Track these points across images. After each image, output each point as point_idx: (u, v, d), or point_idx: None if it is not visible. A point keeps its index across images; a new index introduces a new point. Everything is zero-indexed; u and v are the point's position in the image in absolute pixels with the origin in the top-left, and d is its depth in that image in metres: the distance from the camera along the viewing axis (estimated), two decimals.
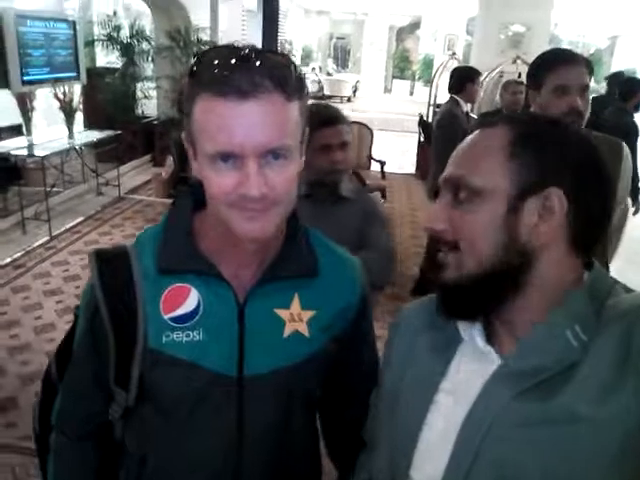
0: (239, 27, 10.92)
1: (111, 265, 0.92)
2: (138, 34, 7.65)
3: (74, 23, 5.70)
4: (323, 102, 2.66)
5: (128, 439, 1.01)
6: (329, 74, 20.45)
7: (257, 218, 0.80)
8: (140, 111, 7.95)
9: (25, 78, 5.00)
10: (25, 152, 5.17)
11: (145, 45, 7.74)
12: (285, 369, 0.94)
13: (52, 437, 1.04)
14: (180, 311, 0.90)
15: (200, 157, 0.80)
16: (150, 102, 8.02)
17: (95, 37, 7.82)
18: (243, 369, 0.92)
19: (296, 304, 0.95)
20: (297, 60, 16.21)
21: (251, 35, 8.55)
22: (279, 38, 9.72)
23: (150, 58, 7.82)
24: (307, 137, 1.86)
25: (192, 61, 0.81)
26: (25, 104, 5.35)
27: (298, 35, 19.07)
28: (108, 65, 8.04)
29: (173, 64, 7.60)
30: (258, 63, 0.75)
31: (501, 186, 0.72)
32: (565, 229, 0.72)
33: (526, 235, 0.72)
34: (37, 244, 4.91)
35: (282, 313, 0.94)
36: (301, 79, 0.81)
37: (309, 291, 0.96)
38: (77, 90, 6.28)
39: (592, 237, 0.76)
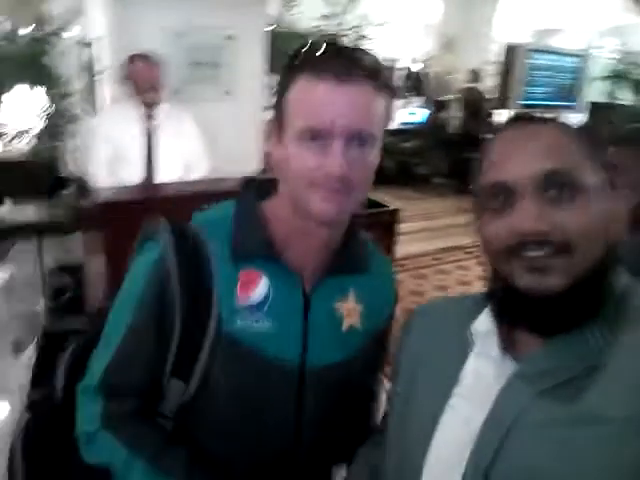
0: None
1: (185, 240, 0.88)
2: None
3: (583, 57, 6.22)
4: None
5: (184, 433, 0.94)
6: None
7: (334, 199, 0.81)
8: None
9: (522, 102, 5.83)
10: None
11: None
12: (343, 362, 0.95)
13: (104, 445, 0.89)
14: (253, 297, 0.88)
15: (287, 136, 0.83)
16: None
17: (609, 73, 8.06)
18: (306, 360, 0.92)
19: (352, 298, 0.97)
20: None
21: None
22: None
23: None
24: None
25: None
26: None
27: None
28: (615, 101, 8.18)
29: None
30: (354, 55, 0.81)
31: (597, 182, 0.70)
32: None
33: (614, 232, 0.72)
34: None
35: (341, 307, 0.95)
36: (389, 79, 0.85)
37: (361, 286, 0.98)
38: (571, 119, 6.80)
39: None
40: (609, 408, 0.64)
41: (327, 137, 0.79)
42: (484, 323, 0.79)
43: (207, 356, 0.87)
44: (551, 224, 0.67)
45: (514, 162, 0.70)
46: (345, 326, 0.96)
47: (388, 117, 0.86)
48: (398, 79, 8.94)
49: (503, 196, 0.71)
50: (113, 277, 2.22)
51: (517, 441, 0.68)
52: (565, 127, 0.73)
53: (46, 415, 0.99)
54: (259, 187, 0.96)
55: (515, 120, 0.76)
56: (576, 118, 7.28)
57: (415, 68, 9.42)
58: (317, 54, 0.81)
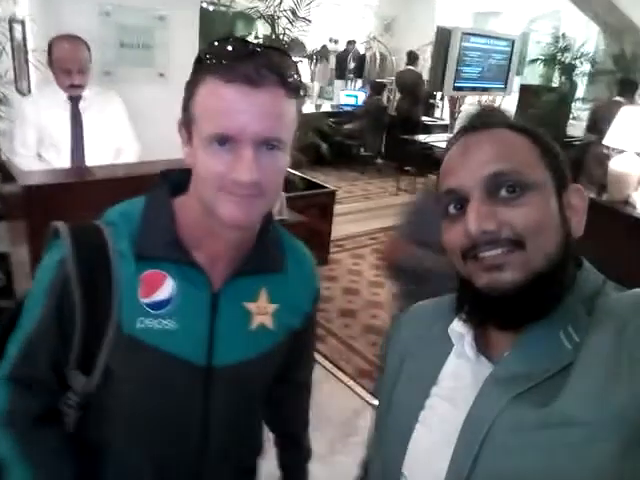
0: None
1: (86, 241, 0.88)
2: (582, 56, 7.87)
3: (513, 42, 6.42)
4: (487, 106, 2.45)
5: (90, 427, 0.96)
6: None
7: (243, 204, 0.81)
8: (569, 132, 8.14)
9: (456, 84, 5.98)
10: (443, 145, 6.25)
11: (586, 67, 7.90)
12: (251, 360, 0.96)
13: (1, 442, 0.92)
14: (155, 297, 0.88)
15: (196, 139, 0.82)
16: (579, 124, 8.15)
17: (540, 56, 8.34)
18: (212, 359, 0.93)
19: (263, 298, 0.97)
20: None
21: None
22: None
23: (587, 80, 7.98)
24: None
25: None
26: (453, 106, 6.40)
27: None
28: (546, 83, 8.47)
29: (609, 88, 7.57)
30: (265, 58, 0.78)
31: (547, 179, 0.72)
32: None
33: (571, 228, 0.73)
34: None
35: (250, 306, 0.96)
36: (300, 80, 0.83)
37: (276, 286, 0.98)
38: (502, 101, 7.05)
39: None
40: (578, 410, 0.64)
41: (237, 142, 0.78)
42: (459, 325, 0.80)
43: (106, 355, 0.88)
44: (499, 223, 0.69)
45: (463, 169, 0.73)
46: (254, 325, 0.96)
47: (297, 119, 0.85)
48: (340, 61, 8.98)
49: (457, 203, 0.73)
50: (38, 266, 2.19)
51: (494, 447, 0.69)
52: (513, 128, 0.75)
53: None
54: (175, 180, 0.94)
55: (466, 128, 0.78)
56: (508, 100, 7.54)
57: (356, 50, 9.48)
58: (226, 54, 0.78)
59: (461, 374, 0.78)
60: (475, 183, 0.71)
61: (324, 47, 8.79)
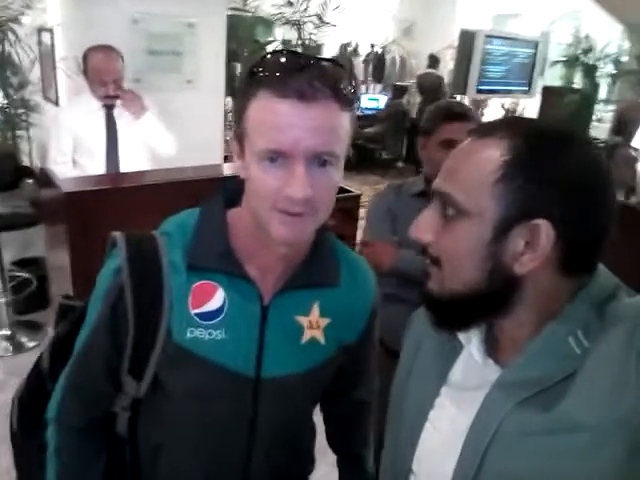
0: None
1: (140, 251, 0.90)
2: (606, 57, 7.79)
3: (536, 44, 6.37)
4: (454, 100, 2.36)
5: (140, 429, 1.00)
6: None
7: (294, 223, 0.80)
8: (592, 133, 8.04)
9: (480, 87, 5.94)
10: None
11: (609, 68, 7.83)
12: (300, 374, 0.96)
13: (49, 432, 0.99)
14: (206, 308, 0.89)
15: (248, 154, 0.81)
16: (603, 126, 8.06)
17: (564, 57, 8.26)
18: (261, 371, 0.93)
19: (315, 312, 0.96)
20: None
21: None
22: None
23: (612, 81, 7.91)
24: (430, 131, 1.61)
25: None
26: (476, 109, 6.38)
27: None
28: (567, 85, 8.40)
29: (634, 88, 7.49)
30: (319, 71, 0.76)
31: (488, 210, 0.68)
32: (553, 257, 0.68)
33: (510, 263, 0.69)
34: None
35: (302, 320, 0.95)
36: (354, 91, 0.81)
37: (328, 300, 0.97)
38: (526, 103, 7.01)
39: (586, 259, 0.71)
40: (585, 415, 0.64)
41: (289, 158, 0.77)
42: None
43: (156, 363, 0.90)
44: (432, 236, 0.73)
45: (440, 172, 0.76)
46: (305, 339, 0.95)
47: (351, 131, 0.83)
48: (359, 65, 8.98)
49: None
50: (78, 270, 2.24)
51: (500, 450, 0.70)
52: (510, 150, 0.68)
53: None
54: (230, 191, 0.94)
55: (472, 130, 0.76)
56: (532, 102, 7.50)
57: (376, 53, 9.48)
58: (279, 67, 0.77)
59: (469, 376, 0.79)
60: (434, 191, 0.75)
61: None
